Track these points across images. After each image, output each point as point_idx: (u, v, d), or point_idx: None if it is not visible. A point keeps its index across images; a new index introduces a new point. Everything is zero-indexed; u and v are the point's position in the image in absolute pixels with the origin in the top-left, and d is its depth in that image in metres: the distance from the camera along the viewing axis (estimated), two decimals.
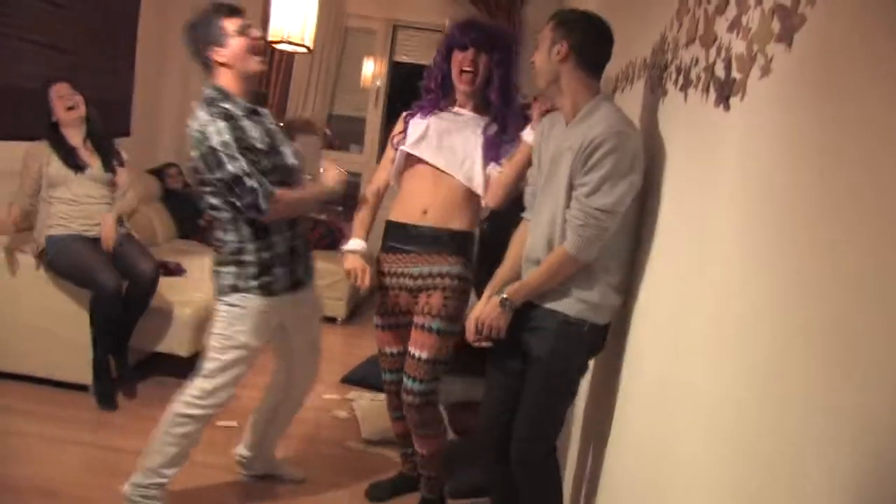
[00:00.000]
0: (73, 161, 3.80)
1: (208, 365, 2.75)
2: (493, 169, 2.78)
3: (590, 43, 2.28)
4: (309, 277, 2.93)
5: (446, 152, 2.80)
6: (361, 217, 2.94)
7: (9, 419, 3.45)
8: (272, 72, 6.63)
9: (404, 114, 2.99)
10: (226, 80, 2.64)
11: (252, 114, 2.66)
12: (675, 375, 1.78)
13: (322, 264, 5.61)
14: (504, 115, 2.81)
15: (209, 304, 4.14)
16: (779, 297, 1.25)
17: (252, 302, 2.71)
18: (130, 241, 3.97)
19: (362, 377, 4.48)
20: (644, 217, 2.29)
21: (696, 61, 1.90)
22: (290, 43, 4.47)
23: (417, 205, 2.84)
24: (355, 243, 2.90)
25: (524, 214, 2.57)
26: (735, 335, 1.42)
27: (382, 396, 4.05)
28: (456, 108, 2.88)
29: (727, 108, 1.62)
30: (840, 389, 1.01)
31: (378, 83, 7.11)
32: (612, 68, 3.09)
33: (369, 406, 4.03)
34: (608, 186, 2.13)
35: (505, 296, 2.30)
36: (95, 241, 3.79)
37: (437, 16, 6.55)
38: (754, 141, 1.45)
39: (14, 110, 4.22)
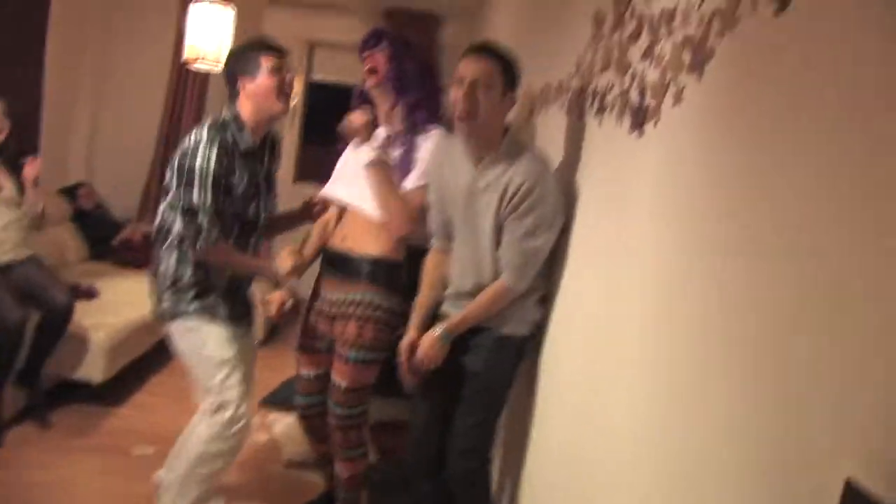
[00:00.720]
0: None
1: (215, 398, 2.68)
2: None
3: (514, 79, 2.34)
4: (248, 315, 2.93)
5: (357, 187, 2.76)
6: (292, 248, 2.78)
7: None
8: (187, 90, 6.53)
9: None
10: (246, 111, 2.62)
11: (248, 155, 2.64)
12: (593, 388, 1.83)
13: None
14: (407, 105, 2.76)
15: (125, 327, 4.07)
16: (694, 312, 1.30)
17: (200, 323, 2.67)
18: (39, 267, 3.82)
19: (283, 399, 4.42)
20: (563, 235, 2.35)
21: (611, 87, 1.96)
22: (206, 62, 4.42)
23: (340, 231, 2.86)
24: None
25: (434, 243, 2.61)
26: (651, 345, 1.47)
27: (290, 417, 4.02)
28: (379, 129, 2.83)
29: (641, 133, 1.68)
30: (746, 407, 1.07)
31: (294, 102, 7.08)
32: (530, 90, 3.16)
33: (290, 428, 3.99)
34: (543, 229, 2.25)
35: (445, 332, 2.36)
36: (2, 271, 3.61)
37: (354, 34, 6.56)
38: (668, 165, 1.52)
39: None
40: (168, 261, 2.65)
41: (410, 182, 2.71)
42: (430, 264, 2.60)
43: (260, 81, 2.57)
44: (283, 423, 4.08)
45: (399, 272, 2.80)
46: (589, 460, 1.81)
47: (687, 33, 1.46)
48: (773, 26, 1.12)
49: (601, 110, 2.04)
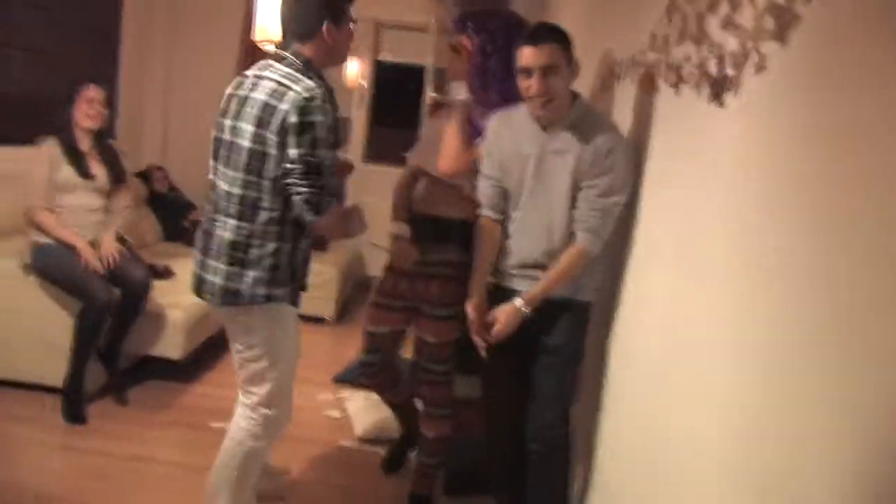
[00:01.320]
0: (83, 169, 3.70)
1: (261, 390, 2.54)
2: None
3: (571, 51, 2.39)
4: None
5: (429, 149, 2.88)
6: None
7: (1, 425, 3.43)
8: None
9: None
10: (318, 56, 2.41)
11: (330, 98, 2.41)
12: (671, 371, 1.80)
13: (311, 264, 5.67)
14: (479, 93, 2.80)
15: (201, 306, 4.16)
16: (774, 291, 1.27)
17: (285, 310, 2.51)
18: (122, 244, 3.93)
19: (355, 376, 4.47)
20: (634, 208, 2.34)
21: (688, 58, 1.91)
22: (275, 43, 4.45)
23: (423, 197, 2.93)
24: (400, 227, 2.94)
25: (486, 213, 2.59)
26: (733, 328, 1.44)
27: (363, 394, 4.06)
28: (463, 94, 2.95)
29: (721, 104, 1.64)
30: (836, 383, 1.04)
31: (363, 82, 7.12)
32: (602, 65, 3.11)
33: (363, 405, 4.03)
34: (617, 189, 2.32)
35: (526, 304, 2.41)
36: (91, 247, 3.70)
37: (421, 15, 6.57)
38: (750, 135, 1.48)
39: None
40: (262, 238, 2.36)
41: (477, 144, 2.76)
42: (485, 230, 2.59)
43: (344, 30, 2.45)
44: (356, 400, 4.12)
45: (468, 231, 2.80)
46: (665, 460, 1.79)
47: None
48: None
49: (678, 82, 2.00)
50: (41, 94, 4.40)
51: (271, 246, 2.38)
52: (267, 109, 2.27)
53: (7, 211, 3.96)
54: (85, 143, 3.77)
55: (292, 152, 2.25)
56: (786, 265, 1.25)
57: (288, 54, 2.38)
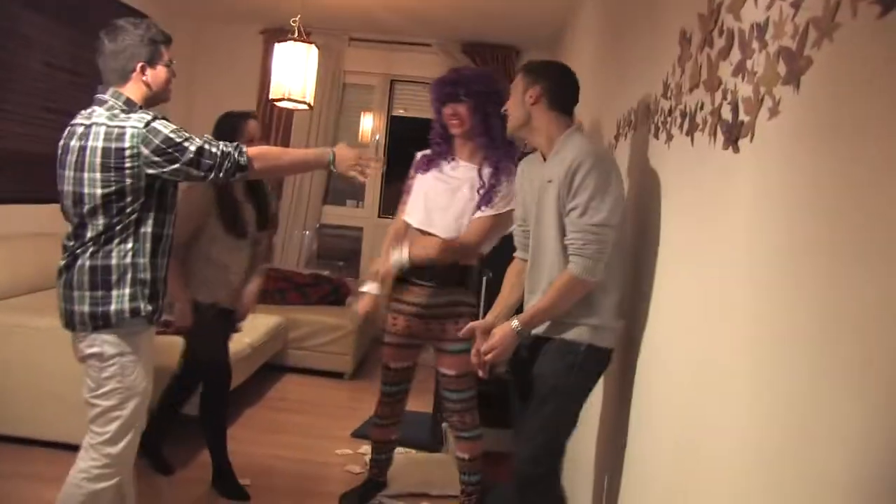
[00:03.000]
0: (240, 225, 3.40)
1: (108, 427, 2.42)
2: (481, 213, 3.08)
3: (558, 85, 2.49)
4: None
5: (438, 216, 3.11)
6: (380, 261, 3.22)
7: (34, 486, 3.39)
8: (272, 128, 6.71)
9: (418, 155, 3.31)
10: (136, 95, 2.47)
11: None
12: (696, 409, 1.79)
13: (329, 319, 5.70)
14: (491, 152, 3.10)
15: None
16: (799, 334, 1.26)
17: (145, 332, 2.48)
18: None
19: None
20: (655, 251, 2.33)
21: (702, 105, 1.93)
22: (291, 100, 4.52)
23: (419, 247, 3.11)
24: (371, 286, 3.21)
25: (517, 254, 2.74)
26: (756, 365, 1.43)
27: (398, 449, 4.06)
28: (454, 160, 3.19)
29: (736, 149, 1.65)
30: (860, 417, 1.03)
31: (377, 137, 7.18)
32: (613, 115, 3.14)
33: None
34: (597, 203, 2.27)
35: (520, 324, 2.39)
36: (227, 315, 3.51)
37: (434, 69, 6.66)
38: (765, 178, 1.48)
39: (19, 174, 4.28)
40: (121, 255, 2.39)
41: (490, 208, 3.07)
42: (511, 270, 2.75)
43: (158, 71, 2.52)
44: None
45: (473, 275, 3.28)
46: (694, 491, 1.76)
47: (782, 44, 1.42)
48: (875, 30, 1.09)
49: (692, 130, 2.01)
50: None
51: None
52: (109, 153, 2.33)
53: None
54: (239, 190, 3.45)
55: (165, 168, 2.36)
56: (805, 302, 1.24)
57: (108, 97, 2.43)
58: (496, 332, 2.44)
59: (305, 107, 4.71)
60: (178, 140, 2.37)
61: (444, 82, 3.12)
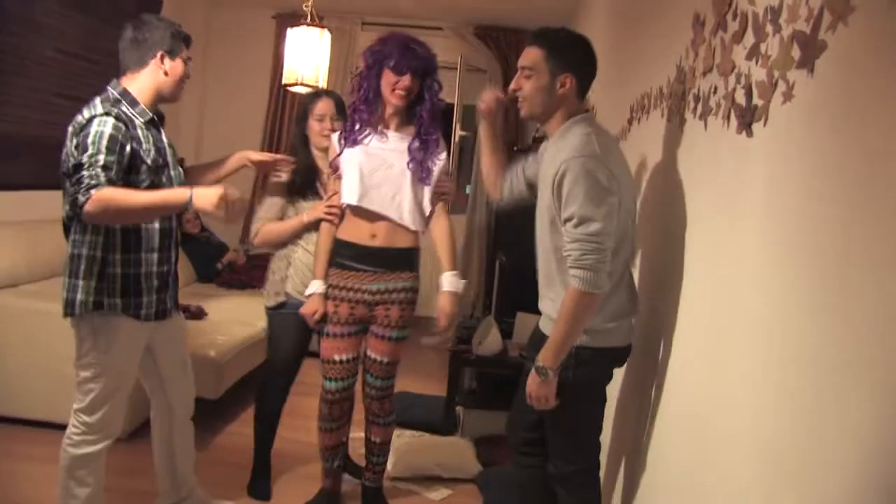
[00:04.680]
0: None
1: (85, 398, 2.52)
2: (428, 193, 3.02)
3: (588, 71, 2.30)
4: (175, 306, 2.79)
5: (375, 193, 2.97)
6: (322, 260, 3.09)
7: (39, 467, 3.43)
8: (286, 113, 6.72)
9: (335, 135, 3.12)
10: (143, 86, 2.51)
11: (150, 124, 2.54)
12: (712, 397, 1.79)
13: None
14: (429, 133, 3.02)
15: (234, 346, 4.19)
16: (809, 318, 1.26)
17: (118, 322, 2.50)
18: None
19: None
20: (666, 238, 2.33)
21: (715, 90, 1.93)
22: (304, 85, 4.52)
23: (365, 230, 3.01)
24: (317, 285, 3.06)
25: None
26: (770, 353, 1.43)
27: (409, 433, 4.07)
28: (382, 133, 3.02)
29: (750, 133, 1.64)
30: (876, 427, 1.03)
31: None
32: (626, 99, 3.13)
33: (395, 443, 4.02)
34: (590, 211, 2.10)
35: (541, 366, 2.22)
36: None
37: (446, 55, 6.63)
38: (779, 163, 1.48)
39: (38, 161, 4.30)
40: (86, 249, 2.45)
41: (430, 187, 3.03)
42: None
43: (177, 64, 2.57)
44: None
45: (419, 257, 3.15)
46: (709, 482, 1.77)
47: (796, 28, 1.42)
48: (890, 14, 1.08)
49: (705, 113, 2.01)
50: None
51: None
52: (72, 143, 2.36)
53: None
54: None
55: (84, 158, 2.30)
56: (818, 295, 1.24)
57: (109, 87, 2.49)
58: (530, 381, 2.28)
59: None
60: (87, 148, 2.30)
61: (416, 55, 2.98)
